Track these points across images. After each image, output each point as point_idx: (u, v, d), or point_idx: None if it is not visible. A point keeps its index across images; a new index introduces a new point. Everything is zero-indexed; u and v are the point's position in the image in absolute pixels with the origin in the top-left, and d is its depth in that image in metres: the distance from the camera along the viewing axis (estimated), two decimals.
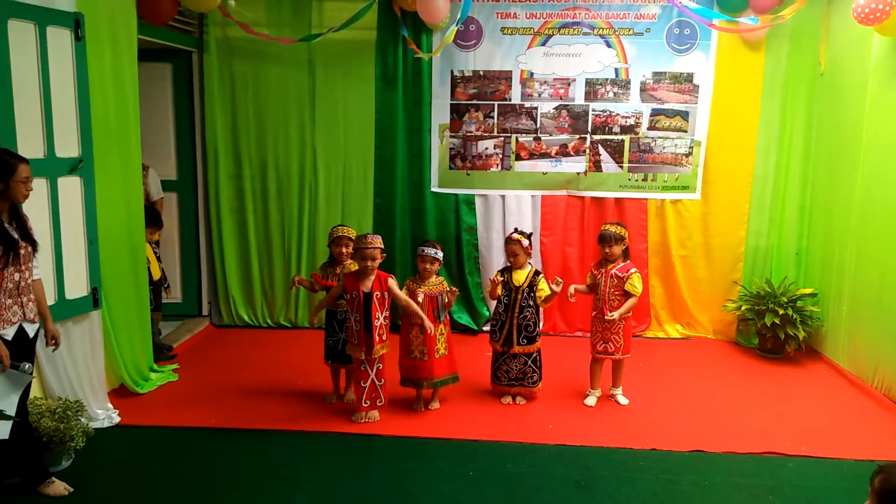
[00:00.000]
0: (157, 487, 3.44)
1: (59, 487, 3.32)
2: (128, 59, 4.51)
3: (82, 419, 3.65)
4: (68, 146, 3.89)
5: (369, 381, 4.14)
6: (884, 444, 3.96)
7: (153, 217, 5.05)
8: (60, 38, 3.80)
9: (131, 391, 4.49)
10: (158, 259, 5.18)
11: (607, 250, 4.42)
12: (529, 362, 4.46)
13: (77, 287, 3.95)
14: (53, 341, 3.35)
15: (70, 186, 3.91)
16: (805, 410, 4.48)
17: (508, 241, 4.49)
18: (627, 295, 4.39)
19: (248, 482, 3.50)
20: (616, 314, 4.34)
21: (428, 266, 4.34)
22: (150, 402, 4.47)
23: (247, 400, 4.50)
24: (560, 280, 4.35)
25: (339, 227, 4.49)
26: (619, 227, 4.48)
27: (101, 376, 4.20)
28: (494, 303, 4.57)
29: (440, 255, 4.39)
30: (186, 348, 5.52)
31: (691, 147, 5.81)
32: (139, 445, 3.89)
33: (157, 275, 5.06)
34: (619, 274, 4.40)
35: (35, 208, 3.50)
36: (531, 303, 4.44)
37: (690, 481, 3.54)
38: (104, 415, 4.12)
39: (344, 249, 4.38)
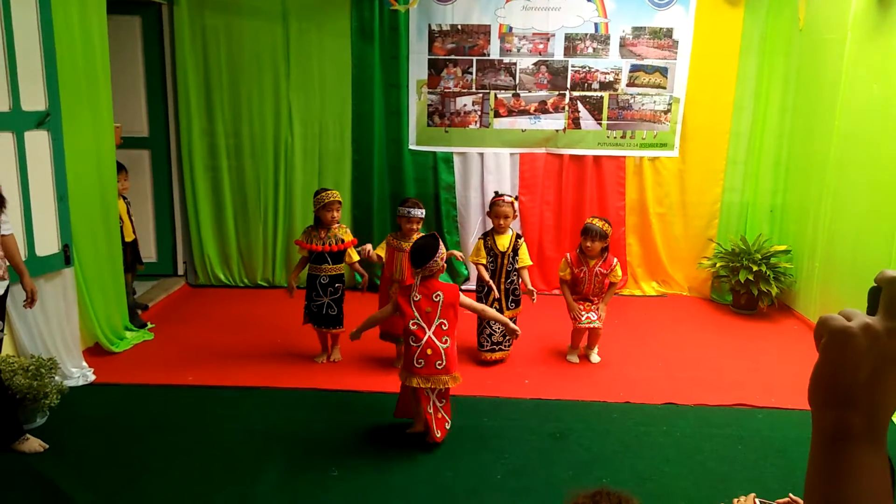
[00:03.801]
0: (133, 443, 3.45)
1: (33, 444, 3.31)
2: (95, 10, 4.36)
3: (56, 377, 3.63)
4: (34, 100, 3.78)
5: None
6: None
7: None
8: None
9: (106, 350, 4.46)
10: (132, 219, 5.08)
11: (588, 244, 4.36)
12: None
13: (48, 244, 3.89)
14: (30, 299, 3.30)
15: (38, 141, 3.82)
16: (776, 364, 4.57)
17: (498, 203, 4.40)
18: (606, 290, 4.48)
19: (225, 438, 3.51)
20: (604, 310, 4.46)
21: (413, 226, 4.31)
22: (125, 360, 4.44)
23: (224, 359, 4.50)
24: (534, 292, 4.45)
25: (328, 192, 4.34)
26: (605, 224, 4.39)
27: (75, 334, 4.17)
28: (472, 266, 4.54)
29: (420, 214, 4.36)
30: (162, 308, 5.48)
31: (670, 104, 5.79)
32: (115, 403, 3.89)
33: (129, 236, 4.96)
34: (604, 270, 4.42)
35: (1, 163, 3.42)
36: (516, 266, 4.45)
37: (662, 432, 3.61)
38: (79, 373, 4.10)
39: (336, 214, 4.33)
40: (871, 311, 0.67)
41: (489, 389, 4.07)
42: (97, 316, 4.40)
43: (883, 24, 4.43)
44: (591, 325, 4.40)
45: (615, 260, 4.47)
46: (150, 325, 4.98)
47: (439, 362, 3.33)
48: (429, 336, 3.33)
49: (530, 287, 4.45)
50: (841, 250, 4.89)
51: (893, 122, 4.27)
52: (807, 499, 0.67)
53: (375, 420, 3.72)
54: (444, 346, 3.34)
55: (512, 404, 3.92)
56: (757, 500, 1.81)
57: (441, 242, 3.47)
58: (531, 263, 4.50)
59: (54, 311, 3.98)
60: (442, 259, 3.43)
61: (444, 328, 3.36)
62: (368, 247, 4.28)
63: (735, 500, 1.83)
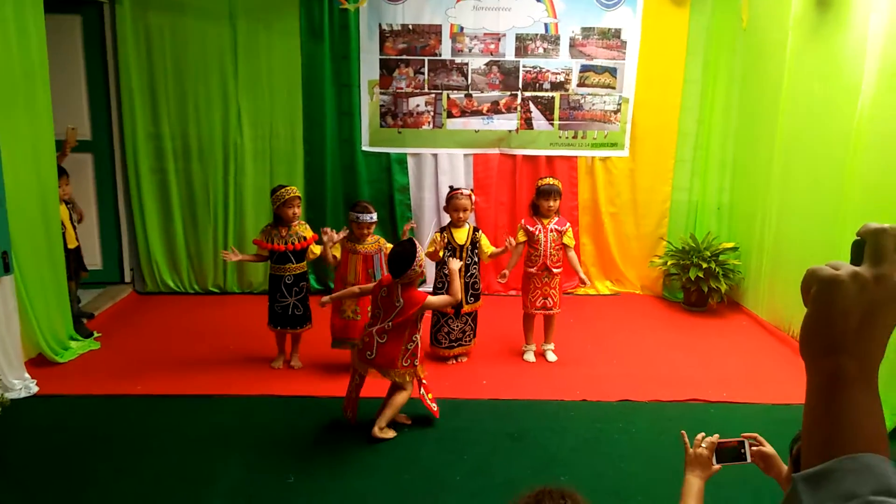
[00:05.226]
0: (79, 456, 3.32)
1: None
2: (31, 8, 4.20)
3: None
4: None
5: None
6: (799, 389, 4.14)
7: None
8: None
9: (50, 360, 4.29)
10: (74, 225, 4.90)
11: (551, 203, 4.42)
12: (470, 321, 4.49)
13: None
14: None
15: None
16: (727, 359, 4.67)
17: (456, 196, 4.39)
18: (565, 247, 4.50)
19: (176, 447, 3.41)
20: (583, 275, 4.53)
21: (364, 231, 4.27)
22: (70, 371, 4.28)
23: (175, 367, 4.37)
24: (506, 274, 4.46)
25: (287, 189, 4.23)
26: (557, 182, 4.53)
27: (16, 345, 4.00)
28: (434, 264, 4.53)
29: (375, 217, 4.32)
30: (109, 317, 5.31)
31: (619, 104, 5.87)
32: (59, 415, 3.74)
33: (72, 243, 4.79)
34: (559, 228, 4.45)
35: None
36: (476, 259, 4.44)
37: (618, 429, 3.65)
38: (21, 384, 3.93)
39: (296, 210, 4.25)
40: (856, 263, 0.70)
41: (447, 391, 4.05)
42: (40, 325, 4.22)
43: (822, 25, 4.57)
44: (549, 312, 4.50)
45: (567, 222, 4.55)
46: (96, 335, 4.81)
47: (369, 353, 3.48)
48: (372, 328, 3.50)
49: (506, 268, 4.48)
50: (787, 247, 5.02)
51: (835, 121, 4.40)
52: (807, 441, 0.69)
53: (332, 425, 3.66)
54: (381, 341, 3.47)
55: (470, 405, 3.91)
56: (717, 438, 1.87)
57: (419, 250, 3.48)
58: (496, 250, 4.49)
59: None
60: (420, 266, 3.47)
61: (387, 328, 3.46)
62: (332, 232, 4.20)
63: (697, 437, 1.87)
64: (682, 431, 1.97)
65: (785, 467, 1.79)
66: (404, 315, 3.44)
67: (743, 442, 1.86)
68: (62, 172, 4.66)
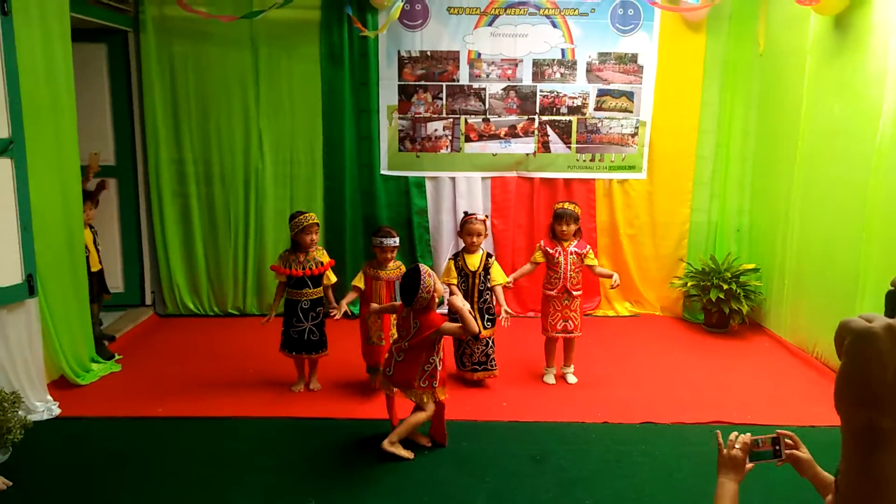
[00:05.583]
0: (100, 478, 3.33)
1: None
2: (60, 37, 4.31)
3: (20, 411, 3.49)
4: None
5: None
6: (824, 411, 4.10)
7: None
8: None
9: (72, 382, 4.33)
10: (98, 249, 4.96)
11: (564, 228, 4.43)
12: (490, 344, 4.47)
13: (10, 274, 3.77)
14: None
15: (0, 169, 3.72)
16: (749, 381, 4.61)
17: (470, 221, 4.39)
18: (589, 268, 4.51)
19: (196, 470, 3.41)
20: (614, 279, 4.44)
21: (388, 255, 4.29)
22: (92, 393, 4.31)
23: (195, 389, 4.39)
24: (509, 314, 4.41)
25: (306, 215, 4.26)
26: (574, 206, 4.51)
27: (39, 367, 4.03)
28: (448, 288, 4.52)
29: (398, 241, 4.35)
30: (130, 339, 5.35)
31: (637, 127, 5.89)
32: (81, 437, 3.76)
33: (95, 266, 4.85)
34: (578, 251, 4.45)
35: None
36: (487, 285, 4.44)
37: (641, 451, 3.60)
38: (43, 407, 3.96)
39: (314, 236, 4.28)
40: (890, 313, 0.68)
41: (467, 413, 4.03)
42: (62, 348, 4.27)
43: (841, 48, 4.57)
44: (570, 335, 4.48)
45: (587, 245, 4.54)
46: (117, 357, 4.85)
47: (388, 370, 3.58)
48: (392, 346, 3.65)
49: (505, 307, 4.38)
50: (809, 268, 4.98)
51: (856, 142, 4.38)
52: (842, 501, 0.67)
53: (352, 447, 3.65)
54: (398, 359, 3.55)
55: (490, 427, 3.89)
56: (751, 438, 1.80)
57: (424, 274, 3.47)
58: (507, 281, 4.47)
59: (17, 343, 3.85)
60: (428, 291, 3.46)
61: (404, 347, 3.53)
62: (344, 305, 4.21)
63: (731, 438, 1.80)
64: (717, 431, 1.89)
65: (822, 472, 1.74)
66: (419, 337, 3.47)
67: (778, 438, 1.78)
68: (87, 197, 4.74)
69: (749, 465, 1.77)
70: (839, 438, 0.72)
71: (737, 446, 1.77)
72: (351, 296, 4.29)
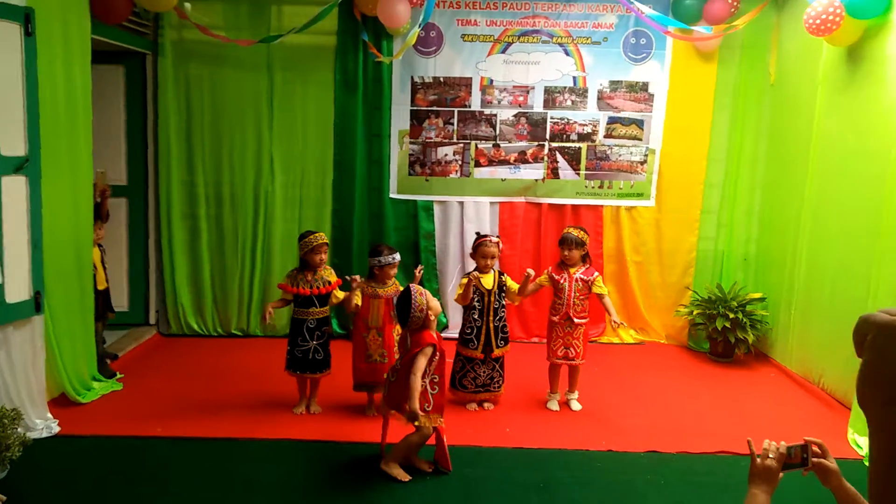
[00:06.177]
0: (98, 497, 3.30)
1: None
2: (79, 58, 4.39)
3: (19, 428, 3.49)
4: (14, 144, 3.74)
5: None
6: (832, 442, 3.99)
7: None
8: (9, 33, 3.67)
9: (73, 400, 4.30)
10: (105, 267, 4.97)
11: (566, 253, 4.43)
12: (498, 366, 4.45)
13: (18, 290, 3.79)
14: None
15: (15, 186, 3.75)
16: (756, 411, 4.55)
17: (484, 243, 4.38)
18: (598, 296, 4.47)
19: (197, 491, 3.38)
20: (617, 318, 4.38)
21: (390, 272, 4.29)
22: (92, 411, 4.29)
23: (197, 409, 4.37)
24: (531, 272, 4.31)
25: (315, 235, 4.28)
26: (581, 232, 4.48)
27: (41, 384, 4.02)
28: (461, 308, 4.51)
29: (398, 256, 4.34)
30: (132, 358, 5.34)
31: (646, 155, 5.90)
32: (80, 455, 3.73)
33: (101, 285, 4.86)
34: (584, 278, 4.43)
35: None
36: (503, 303, 4.44)
37: (646, 481, 3.55)
38: (43, 424, 3.94)
39: (323, 256, 4.29)
40: None
41: (470, 438, 3.99)
42: (65, 365, 4.26)
43: (853, 79, 4.57)
44: (571, 363, 4.46)
45: (596, 272, 4.50)
46: (119, 375, 4.84)
47: (385, 390, 3.65)
48: (390, 366, 3.74)
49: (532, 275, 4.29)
50: (818, 298, 4.93)
51: (867, 173, 4.36)
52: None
53: (353, 470, 3.61)
54: (391, 379, 3.60)
55: (494, 453, 3.84)
56: (783, 445, 1.74)
57: (414, 294, 3.49)
58: (520, 284, 4.41)
59: (21, 360, 3.85)
60: (421, 310, 3.47)
61: (397, 367, 3.58)
62: (358, 277, 4.24)
63: (764, 446, 1.74)
64: (749, 439, 1.81)
65: (847, 484, 1.68)
66: (409, 355, 3.48)
67: (806, 446, 1.74)
68: (96, 216, 4.78)
69: (780, 475, 1.70)
70: (848, 470, 0.70)
71: (771, 455, 1.71)
72: (351, 300, 4.26)
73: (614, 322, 4.36)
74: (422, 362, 3.42)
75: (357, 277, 4.24)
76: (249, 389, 4.71)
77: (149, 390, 4.67)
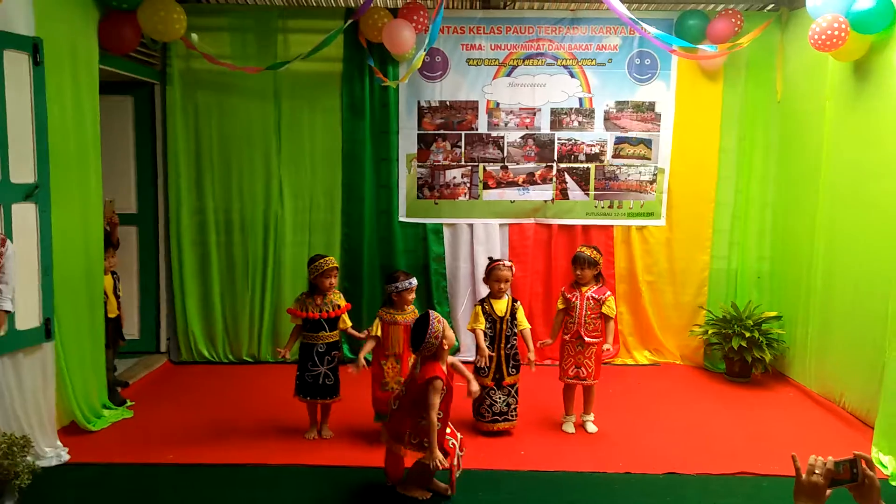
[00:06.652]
0: None
1: None
2: (88, 87, 4.45)
3: (28, 456, 3.45)
4: (24, 172, 3.78)
5: None
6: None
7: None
8: (18, 63, 3.72)
9: (83, 428, 4.27)
10: (117, 295, 4.96)
11: (579, 272, 4.40)
12: (513, 392, 4.38)
13: (29, 317, 3.79)
14: None
15: (25, 213, 3.78)
16: (775, 432, 4.46)
17: (498, 268, 4.34)
18: (605, 318, 4.40)
19: None
20: (610, 345, 4.40)
21: (409, 297, 4.25)
22: (102, 439, 4.25)
23: (208, 436, 4.32)
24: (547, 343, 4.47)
25: (325, 259, 4.26)
26: (594, 252, 4.46)
27: (51, 412, 4.00)
28: (471, 334, 4.45)
29: (415, 282, 4.30)
30: (143, 385, 5.31)
31: (655, 174, 5.88)
32: (90, 483, 3.68)
33: (113, 312, 4.84)
34: (596, 296, 4.39)
35: None
36: (515, 331, 4.39)
37: (666, 503, 3.46)
38: (52, 452, 3.90)
39: (333, 280, 4.27)
40: None
41: (484, 462, 3.92)
42: (75, 393, 4.23)
43: (861, 94, 4.57)
44: (583, 383, 4.42)
45: (608, 291, 4.47)
46: (129, 403, 4.81)
47: (387, 417, 3.65)
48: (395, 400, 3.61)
49: (532, 352, 4.35)
50: (835, 315, 4.86)
51: (881, 187, 4.32)
52: None
53: (365, 495, 3.55)
54: (393, 407, 3.58)
55: (509, 477, 3.77)
56: (830, 460, 1.65)
57: (432, 321, 3.41)
58: (529, 326, 4.43)
59: (31, 387, 3.83)
60: (436, 337, 3.38)
61: (400, 395, 3.55)
62: (362, 359, 4.15)
63: (809, 462, 1.64)
64: (793, 454, 1.72)
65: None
66: (415, 384, 3.41)
67: (856, 461, 1.64)
68: (108, 244, 4.79)
69: (828, 492, 1.61)
70: None
71: (817, 472, 1.62)
72: (369, 346, 4.22)
73: (605, 350, 4.41)
74: (435, 399, 3.33)
75: (367, 331, 4.26)
76: (261, 415, 4.66)
77: (160, 418, 4.63)
